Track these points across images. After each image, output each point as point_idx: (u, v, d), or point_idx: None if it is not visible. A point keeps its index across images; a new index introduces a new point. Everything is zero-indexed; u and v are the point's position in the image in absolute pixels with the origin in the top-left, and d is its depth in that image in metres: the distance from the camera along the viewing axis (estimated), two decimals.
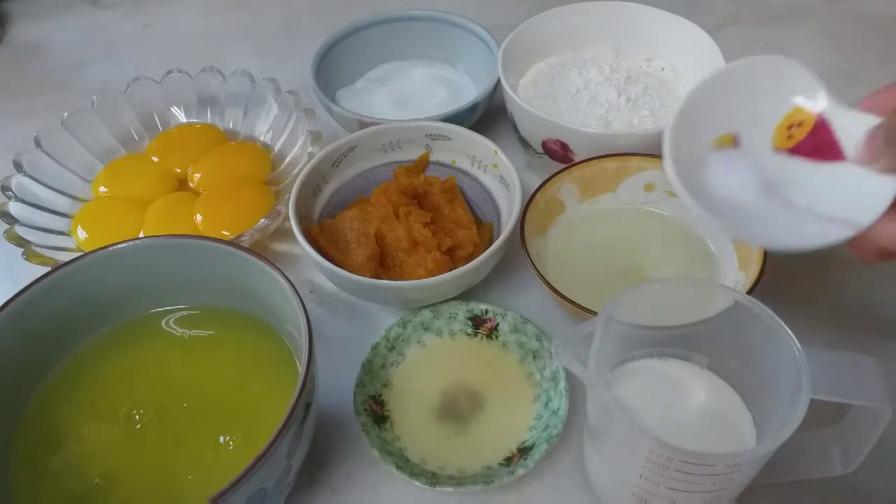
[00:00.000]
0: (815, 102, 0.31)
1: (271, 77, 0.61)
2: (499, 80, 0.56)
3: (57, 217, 0.55)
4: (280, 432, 0.32)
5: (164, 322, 0.43)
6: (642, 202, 0.52)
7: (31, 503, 0.37)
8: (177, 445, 0.38)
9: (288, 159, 0.59)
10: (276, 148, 0.60)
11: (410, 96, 0.63)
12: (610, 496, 0.38)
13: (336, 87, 0.64)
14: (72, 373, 0.41)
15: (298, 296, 0.37)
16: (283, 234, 0.56)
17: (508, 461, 0.41)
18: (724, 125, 0.32)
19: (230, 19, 0.82)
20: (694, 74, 0.58)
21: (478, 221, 0.53)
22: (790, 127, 0.31)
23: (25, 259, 0.49)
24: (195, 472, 0.37)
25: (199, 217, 0.54)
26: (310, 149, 0.55)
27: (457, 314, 0.47)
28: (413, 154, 0.56)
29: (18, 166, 0.55)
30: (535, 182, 0.51)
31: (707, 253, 0.49)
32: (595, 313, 0.37)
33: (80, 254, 0.40)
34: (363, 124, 0.55)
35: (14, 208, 0.53)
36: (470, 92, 0.64)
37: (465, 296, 0.48)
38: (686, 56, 0.59)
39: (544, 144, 0.53)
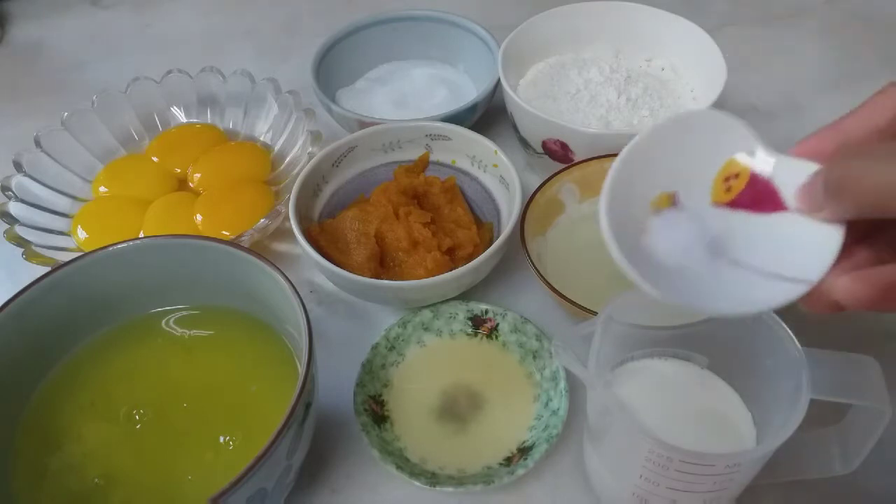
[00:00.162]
0: (750, 152, 0.30)
1: (271, 77, 0.61)
2: (499, 80, 0.56)
3: (57, 217, 0.55)
4: (280, 432, 0.32)
5: (164, 322, 0.43)
6: None
7: (30, 503, 0.37)
8: (177, 445, 0.38)
9: (288, 159, 0.59)
10: (276, 148, 0.60)
11: (410, 96, 0.63)
12: (610, 496, 0.38)
13: (336, 87, 0.64)
14: (72, 373, 0.41)
15: (298, 296, 0.37)
16: (283, 234, 0.56)
17: (508, 461, 0.41)
18: (661, 184, 0.30)
19: (230, 19, 0.82)
20: (694, 74, 0.58)
21: (478, 221, 0.53)
22: (727, 179, 0.30)
23: (25, 259, 0.49)
24: (195, 472, 0.37)
25: (199, 217, 0.54)
26: (310, 149, 0.55)
27: (457, 314, 0.47)
28: (413, 154, 0.56)
29: (18, 166, 0.55)
30: (535, 182, 0.51)
31: None
32: (595, 313, 0.37)
33: (80, 254, 0.40)
34: (363, 124, 0.55)
35: (14, 208, 0.53)
36: (470, 92, 0.64)
37: (465, 296, 0.48)
38: (686, 56, 0.59)
39: (544, 144, 0.53)
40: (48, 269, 0.39)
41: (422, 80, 0.65)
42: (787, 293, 0.27)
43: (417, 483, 0.39)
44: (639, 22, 0.60)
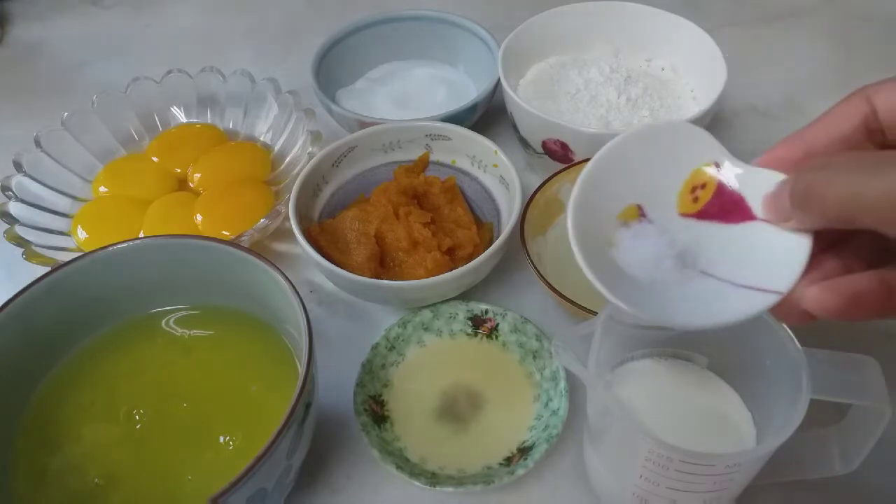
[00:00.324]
0: (717, 163, 0.30)
1: (271, 77, 0.61)
2: (499, 80, 0.56)
3: (57, 217, 0.55)
4: (280, 432, 0.32)
5: (164, 322, 0.43)
6: None
7: (30, 503, 0.37)
8: (177, 445, 0.38)
9: (288, 159, 0.59)
10: (276, 148, 0.60)
11: (410, 96, 0.63)
12: (610, 496, 0.38)
13: (336, 87, 0.64)
14: (72, 373, 0.41)
15: (298, 296, 0.37)
16: (283, 234, 0.56)
17: (508, 461, 0.41)
18: (627, 197, 0.30)
19: (230, 19, 0.82)
20: (694, 74, 0.58)
21: (478, 221, 0.53)
22: (693, 190, 0.30)
23: (25, 259, 0.49)
24: (195, 472, 0.37)
25: (199, 217, 0.54)
26: (310, 149, 0.55)
27: (457, 314, 0.47)
28: (413, 154, 0.56)
29: (18, 166, 0.55)
30: (535, 182, 0.51)
31: None
32: (595, 313, 0.37)
33: (80, 254, 0.40)
34: (363, 124, 0.55)
35: (14, 208, 0.53)
36: (470, 92, 0.64)
37: (465, 296, 0.48)
38: (686, 56, 0.59)
39: (544, 144, 0.53)
40: (48, 269, 0.40)
41: (422, 80, 0.65)
42: (758, 304, 0.27)
43: (417, 483, 0.39)
44: (639, 22, 0.60)
